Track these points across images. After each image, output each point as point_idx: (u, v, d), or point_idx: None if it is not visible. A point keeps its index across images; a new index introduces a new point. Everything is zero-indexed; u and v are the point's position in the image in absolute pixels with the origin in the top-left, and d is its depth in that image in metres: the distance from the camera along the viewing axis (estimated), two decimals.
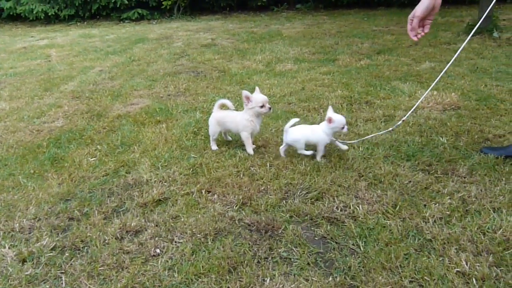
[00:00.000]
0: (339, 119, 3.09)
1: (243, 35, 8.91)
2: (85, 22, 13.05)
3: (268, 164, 3.16)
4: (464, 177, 2.87)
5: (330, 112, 3.12)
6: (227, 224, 2.47)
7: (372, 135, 3.42)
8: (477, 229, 2.31)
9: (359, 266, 2.09)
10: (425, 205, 2.57)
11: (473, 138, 3.46)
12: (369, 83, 5.12)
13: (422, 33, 2.42)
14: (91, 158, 3.50)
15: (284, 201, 2.68)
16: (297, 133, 3.19)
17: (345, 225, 2.41)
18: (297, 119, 3.22)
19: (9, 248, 2.36)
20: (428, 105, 4.25)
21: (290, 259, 2.17)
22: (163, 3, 12.61)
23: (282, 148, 3.29)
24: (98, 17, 13.41)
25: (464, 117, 3.90)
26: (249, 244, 2.28)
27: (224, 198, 2.75)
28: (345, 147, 3.28)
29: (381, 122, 3.89)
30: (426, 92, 3.33)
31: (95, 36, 10.13)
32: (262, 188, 2.84)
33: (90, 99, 5.11)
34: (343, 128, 3.10)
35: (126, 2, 12.34)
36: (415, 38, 2.42)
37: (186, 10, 12.88)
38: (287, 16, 11.80)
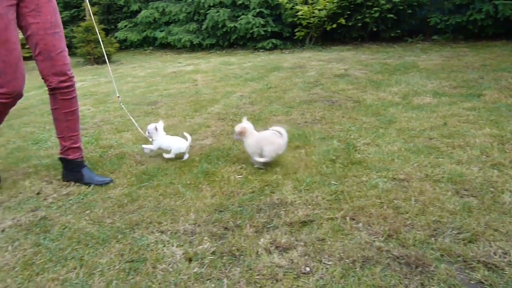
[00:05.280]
0: None
1: (376, 66, 8.85)
2: (224, 51, 14.25)
3: (412, 199, 3.11)
4: None
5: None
6: (375, 253, 2.49)
7: None
8: None
9: None
10: None
11: None
12: None
13: None
14: (238, 175, 3.82)
15: (433, 238, 2.61)
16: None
17: (505, 273, 2.26)
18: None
19: (176, 247, 2.71)
20: None
21: None
22: (296, 33, 13.17)
23: None
24: (235, 46, 14.55)
25: None
26: (399, 276, 2.28)
27: (369, 228, 2.78)
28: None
29: None
30: None
31: (234, 63, 10.99)
32: (408, 223, 2.81)
33: (233, 121, 5.58)
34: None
35: (263, 32, 13.18)
36: None
37: (317, 41, 13.25)
38: (423, 48, 11.38)
